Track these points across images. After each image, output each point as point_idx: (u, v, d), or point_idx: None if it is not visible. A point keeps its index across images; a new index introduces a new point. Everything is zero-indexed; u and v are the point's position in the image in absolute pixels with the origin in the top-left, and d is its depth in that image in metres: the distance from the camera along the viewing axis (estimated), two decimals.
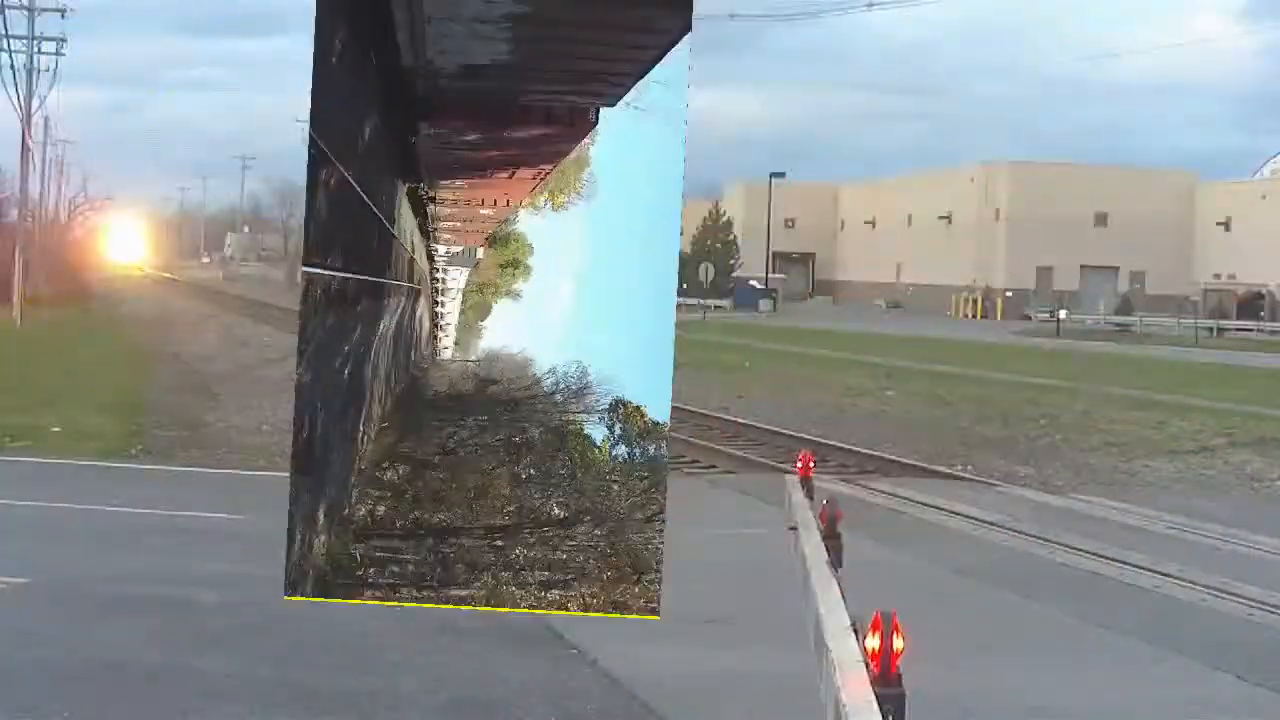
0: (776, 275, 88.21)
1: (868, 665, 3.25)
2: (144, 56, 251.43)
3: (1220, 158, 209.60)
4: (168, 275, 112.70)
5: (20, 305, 40.72)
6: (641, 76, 3.40)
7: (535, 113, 3.63)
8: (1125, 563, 10.65)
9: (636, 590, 3.64)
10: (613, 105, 3.49)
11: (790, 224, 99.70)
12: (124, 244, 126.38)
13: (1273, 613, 9.13)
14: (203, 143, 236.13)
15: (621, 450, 3.78)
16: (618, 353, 3.72)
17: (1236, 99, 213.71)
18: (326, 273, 3.52)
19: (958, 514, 12.85)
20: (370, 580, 3.57)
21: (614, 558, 3.65)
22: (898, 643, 3.20)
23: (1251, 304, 66.74)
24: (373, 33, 3.35)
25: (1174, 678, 7.58)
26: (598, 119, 3.51)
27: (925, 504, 13.40)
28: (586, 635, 7.95)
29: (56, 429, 17.85)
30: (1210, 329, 60.09)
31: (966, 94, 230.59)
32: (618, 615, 3.68)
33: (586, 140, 3.50)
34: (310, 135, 3.25)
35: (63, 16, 46.95)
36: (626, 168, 3.54)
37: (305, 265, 3.45)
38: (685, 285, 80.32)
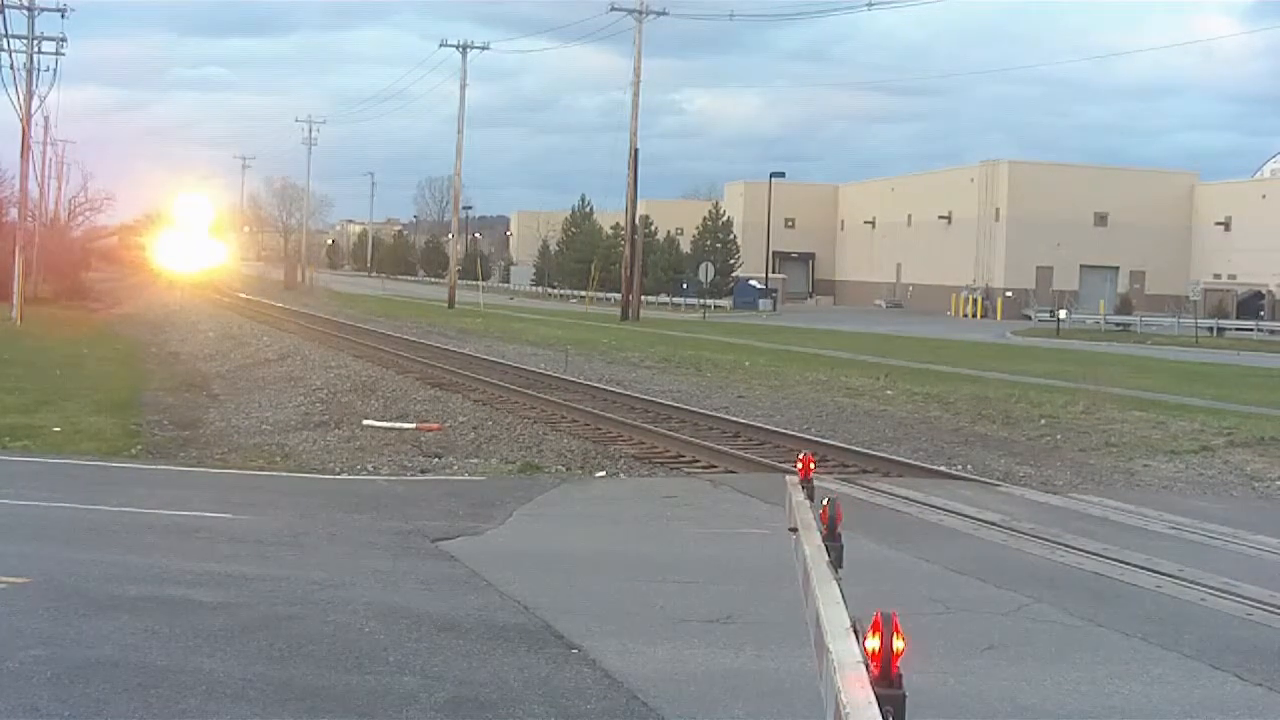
0: (776, 275, 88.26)
1: (868, 666, 3.24)
2: (144, 56, 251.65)
3: (1220, 158, 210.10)
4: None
5: (20, 305, 40.71)
6: None
7: None
8: (1125, 563, 10.65)
9: None
10: None
11: (790, 224, 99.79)
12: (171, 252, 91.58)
13: (1273, 613, 9.13)
14: (203, 143, 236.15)
15: None
16: None
17: (1236, 99, 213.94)
18: None
19: (958, 514, 12.84)
20: None
21: None
22: (898, 643, 3.20)
23: (1251, 304, 66.73)
24: None
25: (1174, 678, 7.58)
26: None
27: (925, 504, 13.40)
28: (586, 635, 7.96)
29: (57, 429, 17.85)
30: (1210, 329, 60.12)
31: (966, 94, 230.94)
32: None
33: None
34: None
35: (63, 16, 47.02)
36: None
37: None
38: (686, 285, 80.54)
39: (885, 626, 3.21)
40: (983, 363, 35.63)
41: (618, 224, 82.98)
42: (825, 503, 4.91)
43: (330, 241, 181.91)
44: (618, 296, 68.39)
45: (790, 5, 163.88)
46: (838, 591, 4.07)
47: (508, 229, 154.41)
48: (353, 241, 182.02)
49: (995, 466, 17.03)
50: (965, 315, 78.21)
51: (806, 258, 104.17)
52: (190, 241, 79.74)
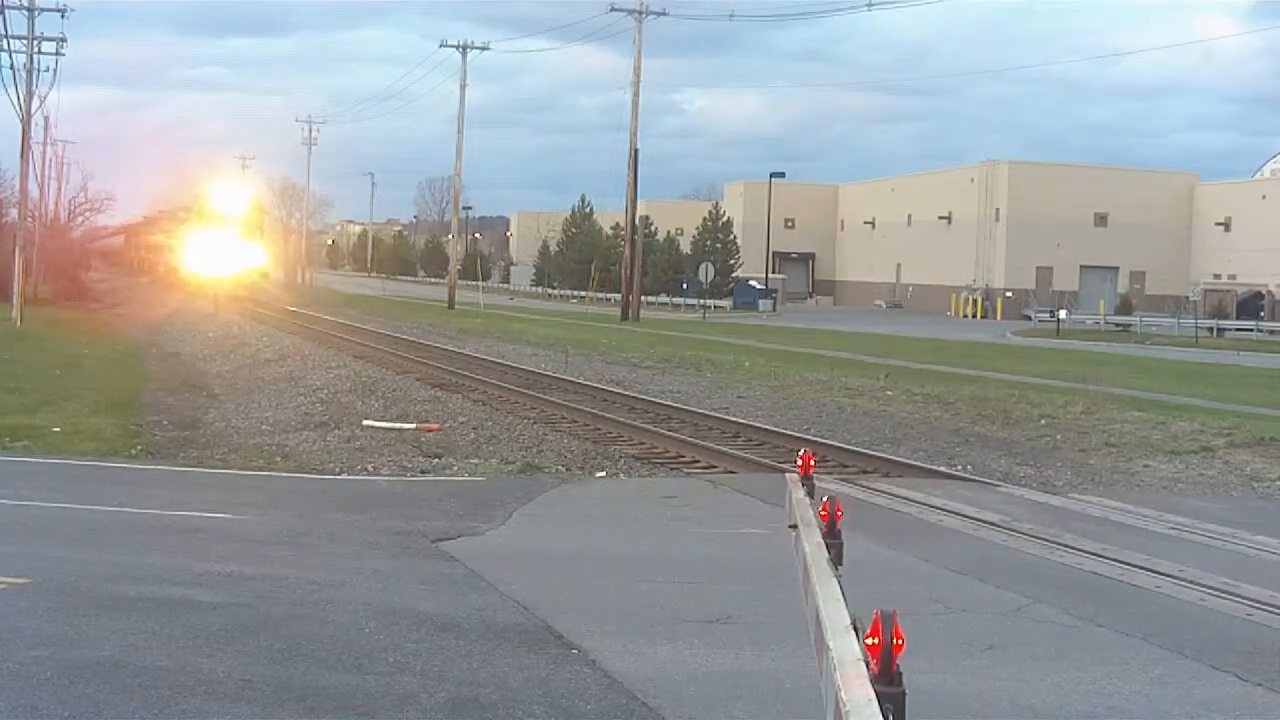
0: (776, 275, 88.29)
1: (868, 664, 3.24)
2: (144, 56, 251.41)
3: (1220, 158, 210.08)
4: None
5: (20, 305, 40.70)
6: None
7: None
8: (1125, 563, 10.65)
9: None
10: None
11: (790, 224, 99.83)
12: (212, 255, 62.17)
13: (1273, 613, 9.13)
14: (203, 143, 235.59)
15: None
16: None
17: (1236, 99, 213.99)
18: None
19: (957, 514, 12.84)
20: None
21: None
22: (898, 642, 3.20)
23: (1251, 304, 66.75)
24: None
25: (1174, 678, 7.58)
26: None
27: (925, 504, 13.40)
28: (586, 635, 7.96)
29: (57, 429, 17.85)
30: (1210, 329, 60.14)
31: (967, 94, 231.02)
32: None
33: None
34: None
35: (63, 16, 47.02)
36: None
37: None
38: (686, 285, 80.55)
39: (885, 624, 3.21)
40: (983, 363, 35.63)
41: (618, 224, 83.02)
42: (825, 500, 4.91)
43: (330, 242, 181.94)
44: (618, 297, 68.39)
45: (790, 5, 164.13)
46: (838, 589, 4.07)
47: (508, 229, 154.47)
48: (353, 242, 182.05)
49: (995, 467, 17.03)
50: (965, 315, 78.23)
51: (806, 258, 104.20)
52: (221, 241, 60.46)
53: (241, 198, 63.75)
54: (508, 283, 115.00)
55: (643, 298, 68.94)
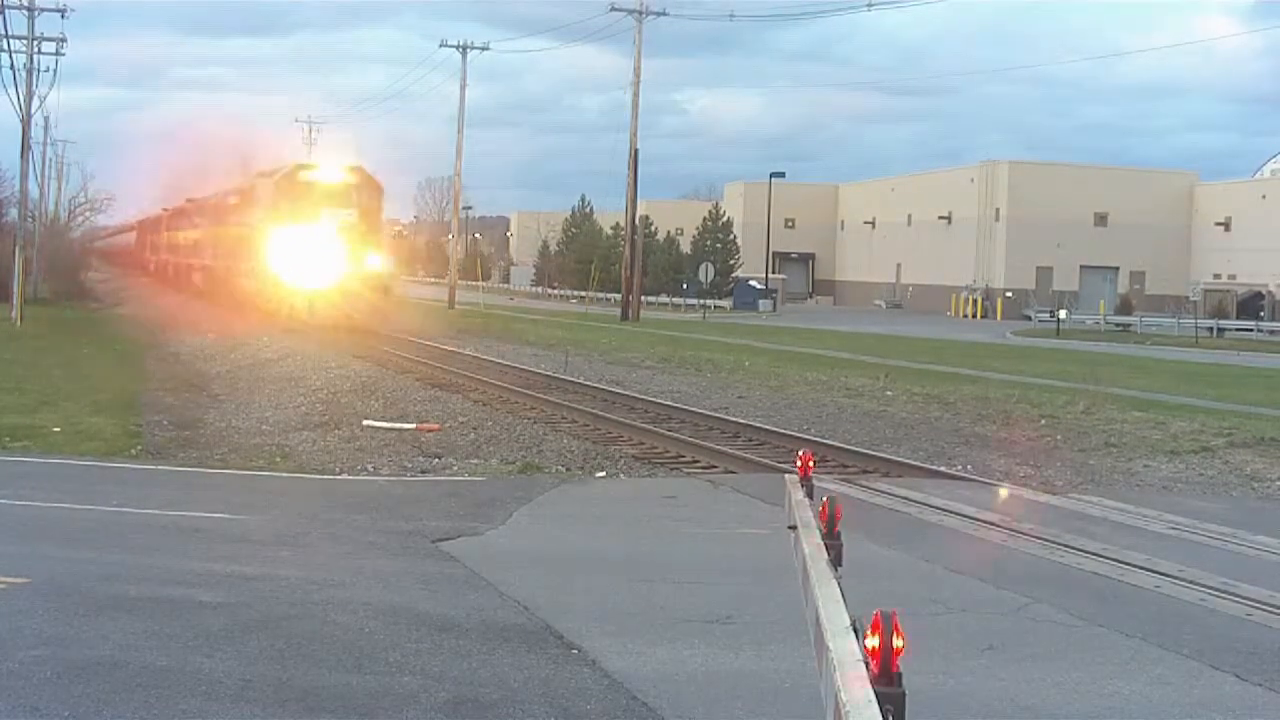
0: (776, 275, 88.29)
1: (867, 665, 3.25)
2: (144, 56, 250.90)
3: (1220, 158, 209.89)
4: None
5: (20, 305, 40.69)
6: None
7: None
8: (1125, 563, 10.66)
9: None
10: None
11: (790, 224, 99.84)
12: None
13: (1272, 613, 9.13)
14: (203, 143, 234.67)
15: None
16: None
17: (1237, 99, 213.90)
18: None
19: (958, 514, 12.85)
20: None
21: None
22: (897, 642, 3.20)
23: (1251, 304, 66.75)
24: None
25: (1174, 678, 7.59)
26: None
27: (925, 504, 13.40)
28: (586, 635, 7.96)
29: (57, 429, 17.85)
30: (1210, 329, 60.14)
31: (966, 94, 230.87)
32: None
33: None
34: None
35: (63, 16, 46.97)
36: None
37: None
38: (686, 285, 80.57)
39: (885, 625, 3.22)
40: (983, 363, 35.63)
41: (618, 224, 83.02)
42: (825, 501, 4.91)
43: None
44: (618, 297, 68.39)
45: (790, 5, 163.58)
46: (837, 590, 4.07)
47: (508, 229, 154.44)
48: None
49: (995, 466, 17.03)
50: (965, 316, 78.24)
51: (806, 258, 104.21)
52: (310, 237, 38.53)
53: (340, 169, 40.10)
54: (508, 283, 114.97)
55: (643, 298, 68.95)
